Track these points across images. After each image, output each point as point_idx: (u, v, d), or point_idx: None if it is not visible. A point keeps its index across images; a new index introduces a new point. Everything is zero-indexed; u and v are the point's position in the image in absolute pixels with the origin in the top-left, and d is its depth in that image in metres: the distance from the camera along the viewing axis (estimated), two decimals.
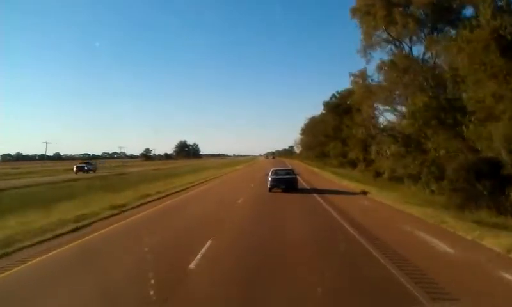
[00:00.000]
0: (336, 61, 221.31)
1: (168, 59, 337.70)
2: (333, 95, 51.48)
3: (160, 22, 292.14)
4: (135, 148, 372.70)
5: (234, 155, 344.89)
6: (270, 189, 22.25)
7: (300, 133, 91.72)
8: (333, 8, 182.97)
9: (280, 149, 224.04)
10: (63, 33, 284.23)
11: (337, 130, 47.54)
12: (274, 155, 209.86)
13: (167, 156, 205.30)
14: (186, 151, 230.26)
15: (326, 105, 53.23)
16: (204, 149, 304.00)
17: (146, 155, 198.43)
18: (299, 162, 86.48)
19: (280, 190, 22.20)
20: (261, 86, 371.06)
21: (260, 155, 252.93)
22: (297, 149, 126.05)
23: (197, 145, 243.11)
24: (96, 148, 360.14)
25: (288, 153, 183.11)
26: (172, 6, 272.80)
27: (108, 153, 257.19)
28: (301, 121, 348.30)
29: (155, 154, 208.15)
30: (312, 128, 72.00)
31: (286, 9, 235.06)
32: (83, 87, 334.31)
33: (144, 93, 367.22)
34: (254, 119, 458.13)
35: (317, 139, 67.93)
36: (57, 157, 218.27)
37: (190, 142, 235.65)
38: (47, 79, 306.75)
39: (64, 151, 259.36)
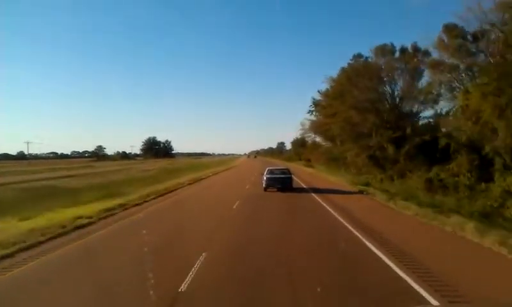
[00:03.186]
0: (324, 62, 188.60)
1: (146, 57, 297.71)
2: None
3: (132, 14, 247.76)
4: (114, 147, 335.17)
5: (214, 153, 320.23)
6: (265, 189, 20.69)
7: (310, 111, 47.20)
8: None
9: (266, 147, 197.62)
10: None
11: None
12: (257, 154, 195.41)
13: (124, 155, 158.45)
14: (156, 149, 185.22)
15: None
16: (183, 148, 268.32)
17: (98, 154, 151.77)
18: (314, 171, 41.18)
19: None
20: (246, 85, 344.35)
21: (245, 154, 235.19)
22: (303, 143, 79.03)
23: (169, 143, 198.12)
24: (66, 147, 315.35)
25: (276, 151, 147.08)
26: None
27: (78, 152, 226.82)
28: (288, 121, 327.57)
29: (120, 152, 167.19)
30: (353, 85, 27.15)
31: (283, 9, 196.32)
32: (47, 83, 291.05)
33: (115, 90, 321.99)
34: (240, 119, 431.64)
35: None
36: (21, 157, 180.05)
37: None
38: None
39: (30, 150, 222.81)
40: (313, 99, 46.19)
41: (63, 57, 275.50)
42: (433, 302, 4.97)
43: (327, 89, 40.39)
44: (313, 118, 46.72)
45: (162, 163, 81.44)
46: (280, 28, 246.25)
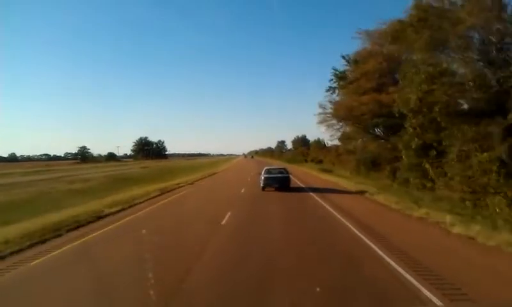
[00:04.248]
0: (321, 61, 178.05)
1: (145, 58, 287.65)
2: None
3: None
4: (101, 148, 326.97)
5: (210, 154, 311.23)
6: (263, 188, 20.76)
7: (331, 88, 31.66)
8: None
9: (265, 147, 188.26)
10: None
11: None
12: (255, 154, 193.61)
13: (111, 156, 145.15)
14: (147, 150, 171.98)
15: None
16: (181, 149, 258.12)
17: (83, 156, 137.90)
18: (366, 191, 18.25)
19: None
20: (245, 85, 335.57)
21: (243, 154, 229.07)
22: (305, 142, 61.77)
23: (162, 143, 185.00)
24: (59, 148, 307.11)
25: (276, 151, 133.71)
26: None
27: (71, 154, 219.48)
28: (288, 120, 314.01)
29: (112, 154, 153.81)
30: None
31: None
32: (43, 83, 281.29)
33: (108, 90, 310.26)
34: (238, 119, 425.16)
35: None
36: (12, 159, 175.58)
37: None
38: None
39: (21, 151, 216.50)
40: (335, 70, 31.06)
41: (58, 56, 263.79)
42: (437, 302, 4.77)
43: (358, 52, 25.92)
44: (335, 97, 31.01)
45: (137, 166, 67.10)
46: (279, 26, 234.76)
